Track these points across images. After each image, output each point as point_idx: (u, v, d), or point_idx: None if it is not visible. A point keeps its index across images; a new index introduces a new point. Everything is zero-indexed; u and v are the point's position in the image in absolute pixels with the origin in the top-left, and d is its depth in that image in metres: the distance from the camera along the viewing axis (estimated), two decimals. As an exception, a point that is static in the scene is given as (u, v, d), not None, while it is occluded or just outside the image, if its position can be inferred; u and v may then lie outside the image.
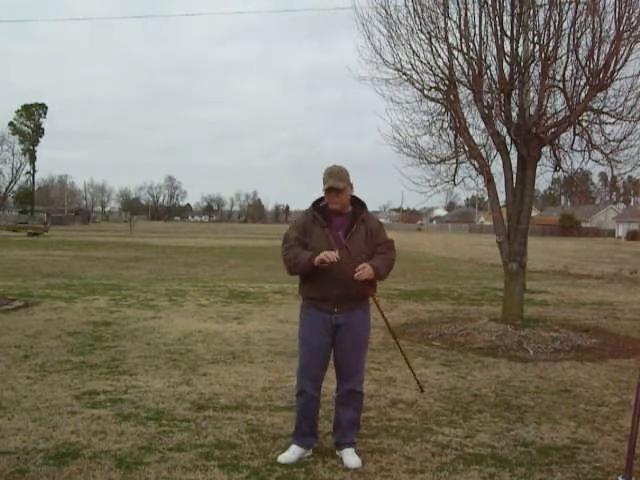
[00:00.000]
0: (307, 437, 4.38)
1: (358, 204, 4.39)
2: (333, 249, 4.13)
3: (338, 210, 4.28)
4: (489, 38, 8.88)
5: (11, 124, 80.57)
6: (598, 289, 16.75)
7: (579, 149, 9.29)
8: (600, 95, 8.69)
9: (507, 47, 8.86)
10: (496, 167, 9.61)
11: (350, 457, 4.25)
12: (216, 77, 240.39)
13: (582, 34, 8.33)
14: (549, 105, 9.09)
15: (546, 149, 9.40)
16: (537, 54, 8.75)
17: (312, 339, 4.30)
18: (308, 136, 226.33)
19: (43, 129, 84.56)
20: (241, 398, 5.71)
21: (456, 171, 9.92)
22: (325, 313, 4.23)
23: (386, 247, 4.35)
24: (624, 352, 8.28)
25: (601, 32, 8.24)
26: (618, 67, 8.39)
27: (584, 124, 9.07)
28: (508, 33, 8.81)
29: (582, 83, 8.59)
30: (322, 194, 4.32)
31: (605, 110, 8.84)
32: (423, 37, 9.10)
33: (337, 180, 4.21)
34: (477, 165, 9.56)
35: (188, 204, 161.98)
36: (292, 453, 4.28)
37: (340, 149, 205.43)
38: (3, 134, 76.42)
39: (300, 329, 4.44)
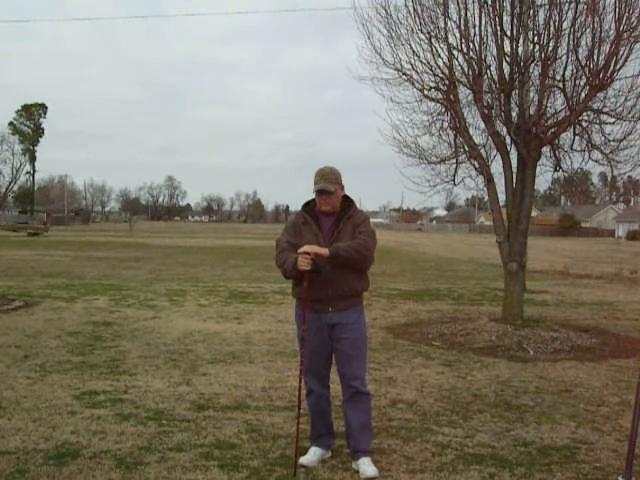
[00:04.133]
0: (325, 437, 4.35)
1: (347, 203, 4.35)
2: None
3: (328, 211, 4.27)
4: (489, 38, 8.89)
5: (11, 124, 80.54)
6: (598, 289, 16.74)
7: (579, 149, 9.29)
8: (600, 95, 8.69)
9: (507, 47, 8.86)
10: (496, 167, 9.63)
11: (366, 467, 4.10)
12: (216, 77, 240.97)
13: (582, 34, 8.34)
14: (549, 105, 9.10)
15: (546, 149, 9.40)
16: (537, 54, 8.75)
17: (310, 338, 4.27)
18: (308, 136, 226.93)
19: (43, 129, 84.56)
20: (241, 398, 5.71)
21: (456, 171, 9.92)
22: (319, 312, 4.22)
23: (362, 231, 4.21)
24: (624, 352, 8.28)
25: (601, 32, 8.24)
26: (618, 67, 8.40)
27: (584, 124, 9.07)
28: (508, 33, 8.82)
29: (582, 83, 8.59)
30: (313, 195, 4.31)
31: (605, 110, 8.84)
32: (423, 37, 9.11)
33: (328, 183, 4.20)
34: (477, 165, 9.56)
35: (188, 204, 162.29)
36: (313, 455, 4.25)
37: (340, 149, 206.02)
38: (3, 134, 76.47)
39: (297, 330, 4.41)
